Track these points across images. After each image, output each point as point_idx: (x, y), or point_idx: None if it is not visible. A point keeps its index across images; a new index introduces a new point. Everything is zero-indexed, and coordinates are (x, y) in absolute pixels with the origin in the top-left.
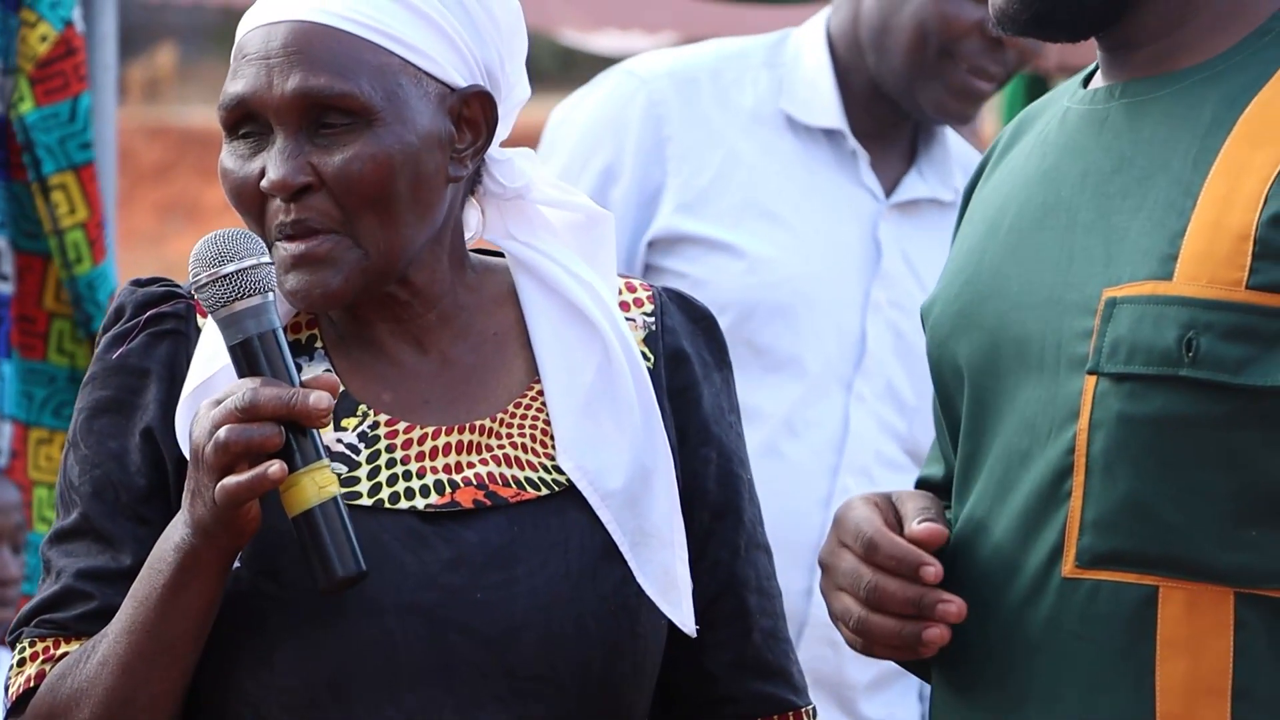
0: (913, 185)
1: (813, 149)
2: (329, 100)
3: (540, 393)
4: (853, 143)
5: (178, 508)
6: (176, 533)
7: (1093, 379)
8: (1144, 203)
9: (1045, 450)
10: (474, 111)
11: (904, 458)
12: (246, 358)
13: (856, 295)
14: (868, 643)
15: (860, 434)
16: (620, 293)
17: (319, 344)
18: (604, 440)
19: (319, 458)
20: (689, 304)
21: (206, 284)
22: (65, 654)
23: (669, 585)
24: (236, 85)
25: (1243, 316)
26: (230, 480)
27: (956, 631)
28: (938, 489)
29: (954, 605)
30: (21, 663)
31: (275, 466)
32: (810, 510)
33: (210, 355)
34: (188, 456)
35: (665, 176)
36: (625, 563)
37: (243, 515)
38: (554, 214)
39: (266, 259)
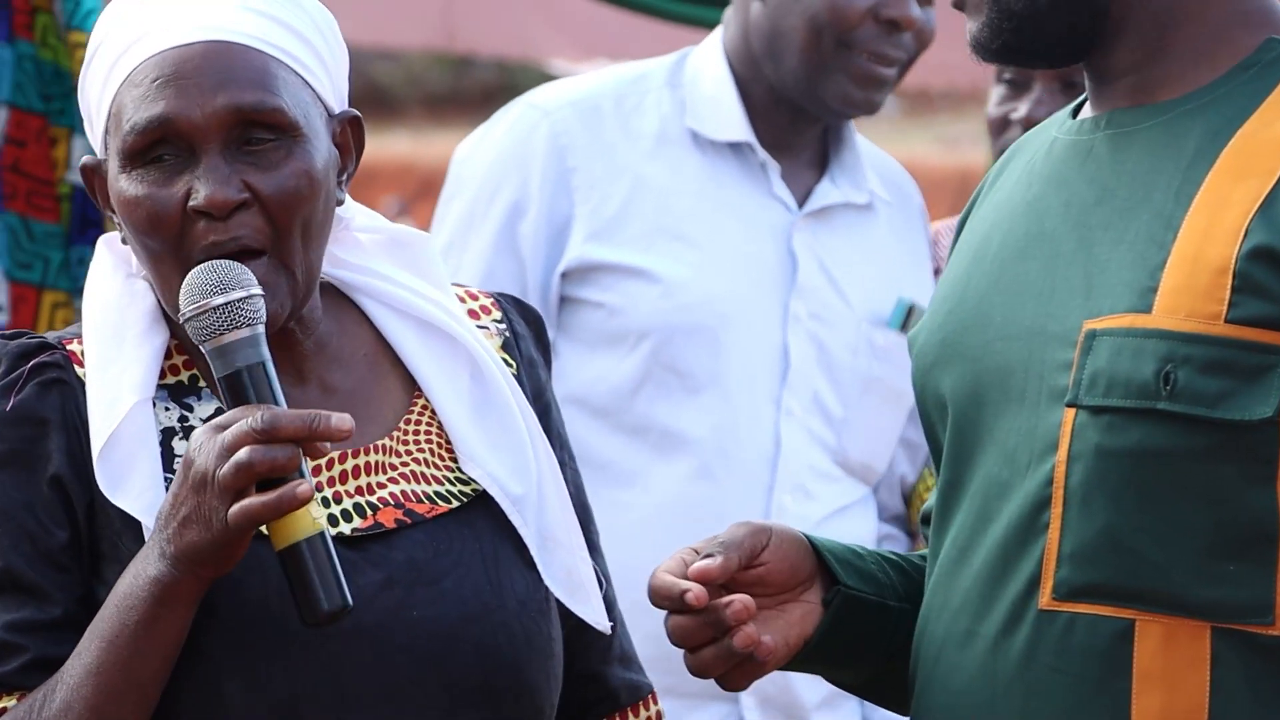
0: (825, 193)
1: (721, 165)
2: (260, 115)
3: (425, 408)
4: (762, 154)
5: (90, 555)
6: (149, 567)
7: (1072, 411)
8: (1125, 234)
9: (1024, 481)
10: (346, 136)
11: (837, 470)
12: (236, 389)
13: (775, 310)
14: (712, 678)
15: (792, 449)
16: (464, 301)
17: (201, 383)
18: (498, 446)
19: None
20: (523, 306)
21: (196, 315)
22: (3, 709)
23: (575, 586)
24: (155, 107)
25: (1221, 350)
26: (252, 502)
27: (935, 662)
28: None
29: (737, 603)
30: None
31: (305, 485)
32: None
33: (109, 401)
34: (121, 505)
35: (573, 207)
36: (533, 567)
37: (243, 541)
38: (368, 239)
39: (257, 290)
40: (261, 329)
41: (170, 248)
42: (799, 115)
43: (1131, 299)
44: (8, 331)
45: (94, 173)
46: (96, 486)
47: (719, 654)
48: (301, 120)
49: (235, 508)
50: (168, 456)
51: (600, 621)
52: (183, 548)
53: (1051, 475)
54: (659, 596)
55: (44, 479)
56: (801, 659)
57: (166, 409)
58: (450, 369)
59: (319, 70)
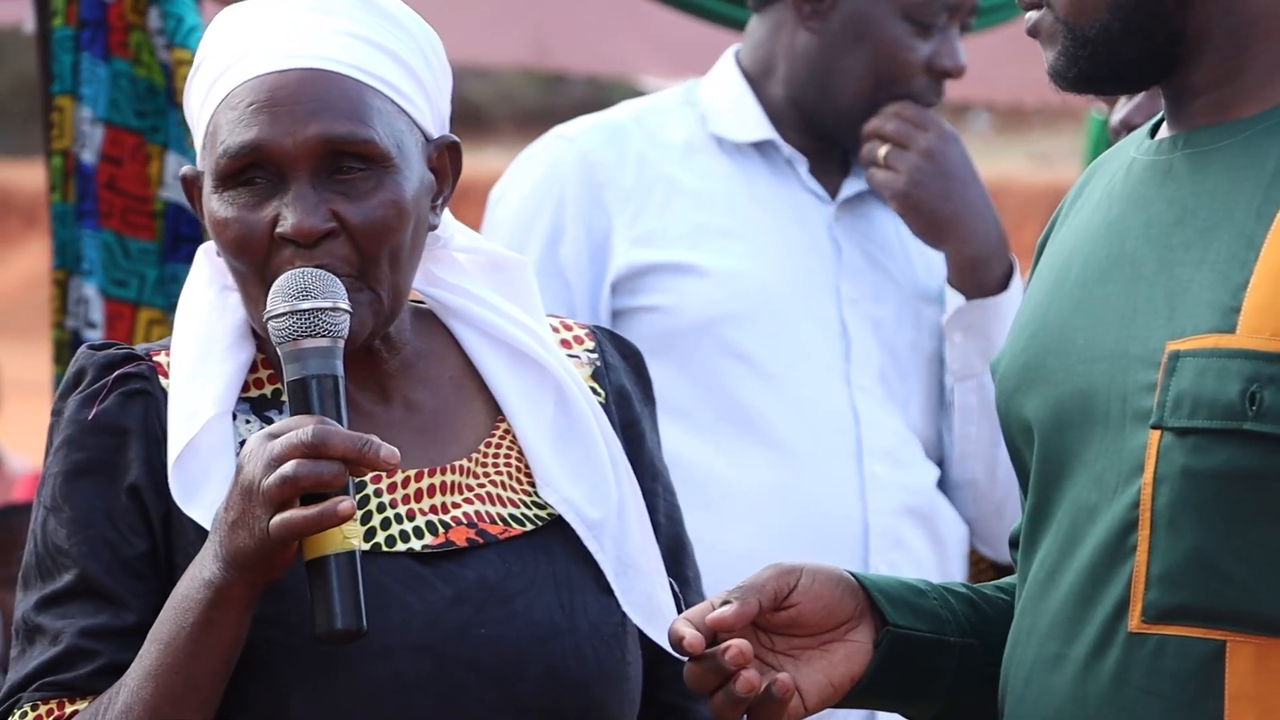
0: (854, 183)
1: (749, 165)
2: (350, 146)
3: (506, 431)
4: (787, 150)
5: (165, 565)
6: (205, 569)
7: (1156, 433)
8: (1207, 254)
9: (1111, 504)
10: (443, 161)
11: (915, 439)
12: (303, 395)
13: (828, 292)
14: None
15: (871, 420)
16: (557, 330)
17: (284, 398)
18: (578, 473)
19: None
20: (620, 341)
21: (281, 315)
22: (74, 712)
23: (654, 612)
24: (248, 133)
25: None
26: (294, 515)
27: (1024, 684)
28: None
29: (732, 649)
30: None
31: (347, 503)
32: (847, 501)
33: (190, 412)
34: (193, 516)
35: (610, 219)
36: (610, 592)
37: (286, 550)
38: (467, 260)
39: (345, 305)
40: (341, 344)
41: (255, 270)
42: (819, 131)
43: (1214, 319)
44: (97, 343)
45: (193, 183)
46: (173, 499)
47: (728, 699)
48: (393, 150)
49: (277, 519)
50: None
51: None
52: (231, 551)
53: (1138, 498)
54: (670, 643)
55: (123, 488)
56: (856, 697)
57: (247, 421)
58: (535, 395)
59: (418, 97)
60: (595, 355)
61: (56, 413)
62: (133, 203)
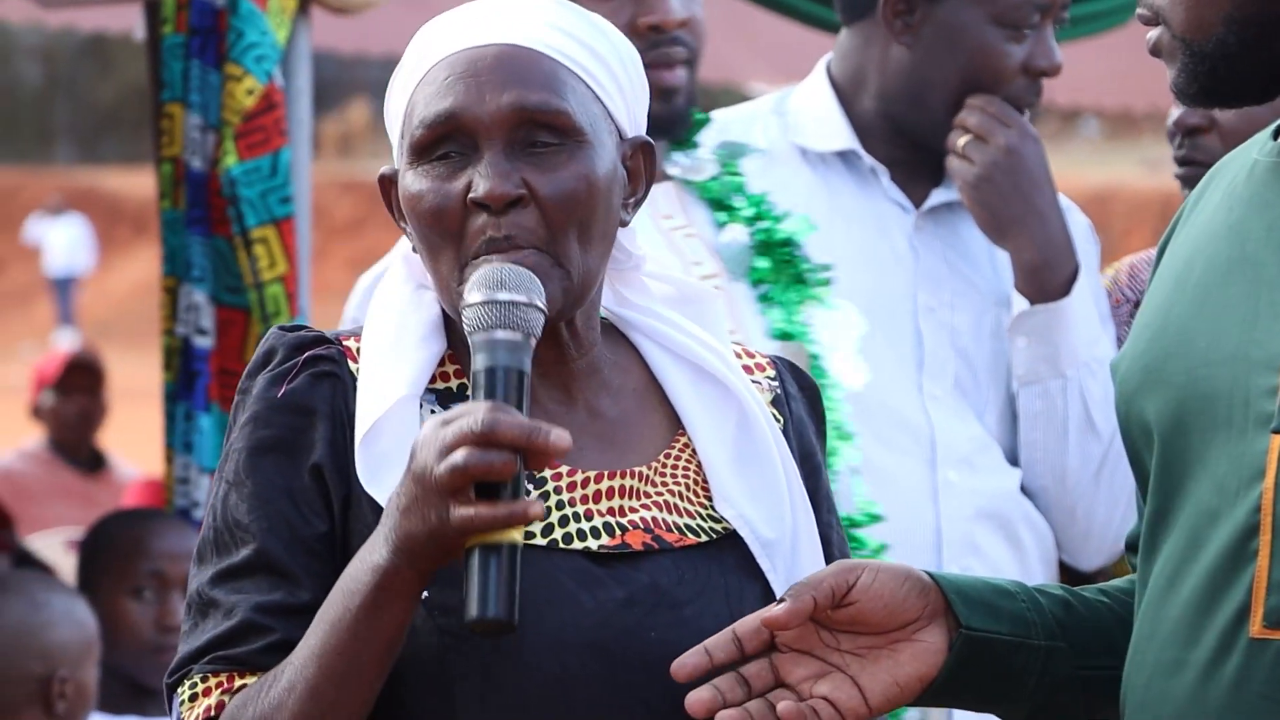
0: (941, 194)
1: (831, 175)
2: (544, 116)
3: (686, 445)
4: (869, 160)
5: (342, 547)
6: (374, 553)
7: (1278, 438)
8: None
9: (1233, 509)
10: (637, 162)
11: (994, 444)
12: (487, 384)
13: (904, 299)
14: None
15: (945, 426)
16: (739, 357)
17: (470, 393)
18: (755, 493)
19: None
20: (799, 372)
21: (476, 304)
22: (244, 686)
23: None
24: (444, 102)
25: None
26: (482, 512)
27: (1145, 689)
28: (1136, 540)
29: (704, 694)
30: (194, 697)
31: (537, 506)
32: (920, 507)
33: (379, 394)
34: (375, 496)
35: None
36: (774, 599)
37: (456, 541)
38: (657, 288)
39: (540, 303)
40: (532, 343)
41: (450, 240)
42: (908, 133)
43: None
44: (288, 324)
45: (390, 183)
46: (355, 481)
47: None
48: (586, 127)
49: (460, 513)
50: None
51: None
52: (402, 537)
53: (1259, 503)
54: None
55: (306, 467)
56: (931, 697)
57: (433, 411)
58: (717, 413)
59: (613, 90)
60: (776, 383)
61: (243, 390)
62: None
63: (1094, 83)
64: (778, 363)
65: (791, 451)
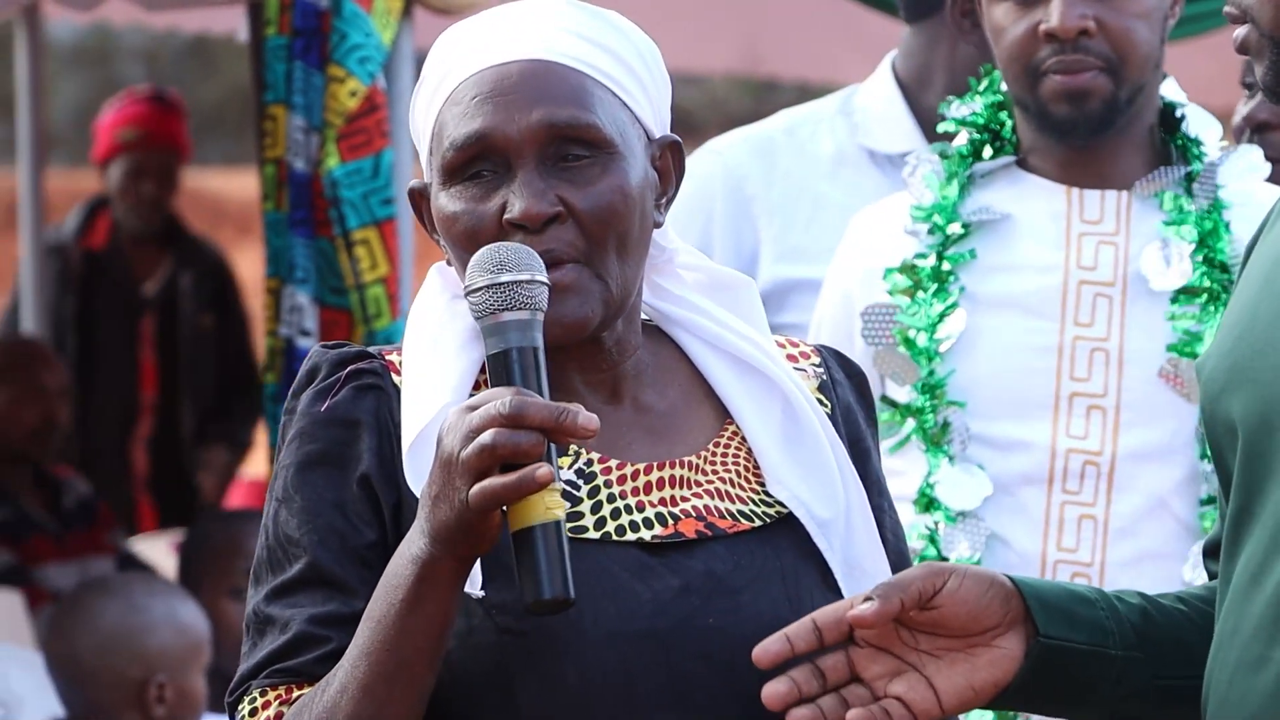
0: None
1: (898, 177)
2: (574, 131)
3: (735, 434)
4: None
5: (392, 555)
6: (413, 545)
7: None
8: None
9: None
10: (666, 162)
11: None
12: (504, 368)
13: None
14: None
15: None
16: (784, 347)
17: (487, 379)
18: (806, 474)
19: (554, 479)
20: (845, 360)
21: (480, 289)
22: (300, 696)
23: None
24: (473, 123)
25: None
26: (493, 482)
27: (1227, 686)
28: (1218, 545)
29: (780, 687)
30: (254, 712)
31: (544, 469)
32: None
33: (423, 402)
34: (419, 495)
35: (757, 233)
36: (835, 589)
37: (487, 521)
38: (692, 277)
39: (543, 277)
40: (540, 317)
41: None
42: None
43: None
44: (330, 342)
45: (421, 196)
46: (404, 488)
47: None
48: (617, 138)
49: (475, 487)
50: None
51: None
52: (435, 526)
53: None
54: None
55: (354, 478)
56: (1005, 702)
57: None
58: (763, 402)
59: (638, 93)
60: (821, 370)
61: (289, 410)
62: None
63: (1199, 83)
64: (823, 351)
65: (840, 437)
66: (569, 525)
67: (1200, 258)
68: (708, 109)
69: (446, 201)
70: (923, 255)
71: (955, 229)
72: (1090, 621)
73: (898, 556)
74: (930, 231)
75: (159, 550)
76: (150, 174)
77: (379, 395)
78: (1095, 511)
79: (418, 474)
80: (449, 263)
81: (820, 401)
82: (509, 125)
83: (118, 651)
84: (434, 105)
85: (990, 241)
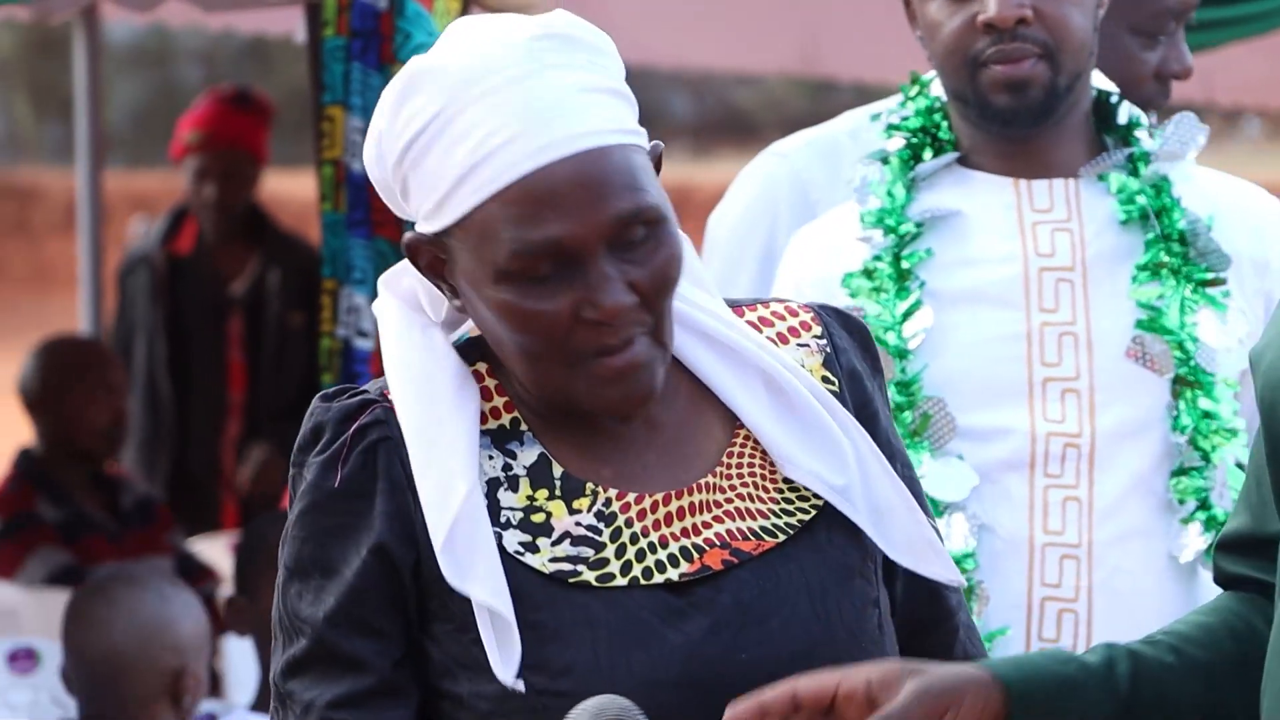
0: None
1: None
2: (636, 218)
3: (747, 438)
4: None
5: (417, 612)
6: None
7: None
8: None
9: None
10: (659, 165)
11: None
12: None
13: None
14: None
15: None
16: (783, 317)
17: (523, 427)
18: (810, 444)
19: None
20: (846, 318)
21: None
22: None
23: (919, 548)
24: (544, 230)
25: None
26: None
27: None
28: (1244, 542)
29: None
30: None
31: None
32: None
33: (441, 488)
34: (468, 594)
35: None
36: (863, 588)
37: None
38: None
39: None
40: None
41: (554, 349)
42: None
43: None
44: (329, 392)
45: (423, 249)
46: (421, 543)
47: None
48: (661, 203)
49: None
50: (494, 509)
51: (952, 577)
52: None
53: None
54: None
55: (367, 549)
56: None
57: (490, 457)
58: (746, 381)
59: (634, 117)
60: (824, 341)
61: (297, 466)
62: None
63: (1256, 83)
64: (822, 314)
65: (847, 408)
66: (595, 574)
67: (1155, 234)
68: (765, 109)
69: (510, 298)
70: (879, 258)
71: (908, 229)
72: (1087, 699)
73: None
74: (884, 235)
75: (217, 550)
76: (214, 175)
77: (388, 448)
78: (1079, 493)
79: (456, 570)
80: (458, 305)
81: (827, 379)
82: (578, 230)
83: (157, 641)
84: (469, 185)
85: (945, 239)
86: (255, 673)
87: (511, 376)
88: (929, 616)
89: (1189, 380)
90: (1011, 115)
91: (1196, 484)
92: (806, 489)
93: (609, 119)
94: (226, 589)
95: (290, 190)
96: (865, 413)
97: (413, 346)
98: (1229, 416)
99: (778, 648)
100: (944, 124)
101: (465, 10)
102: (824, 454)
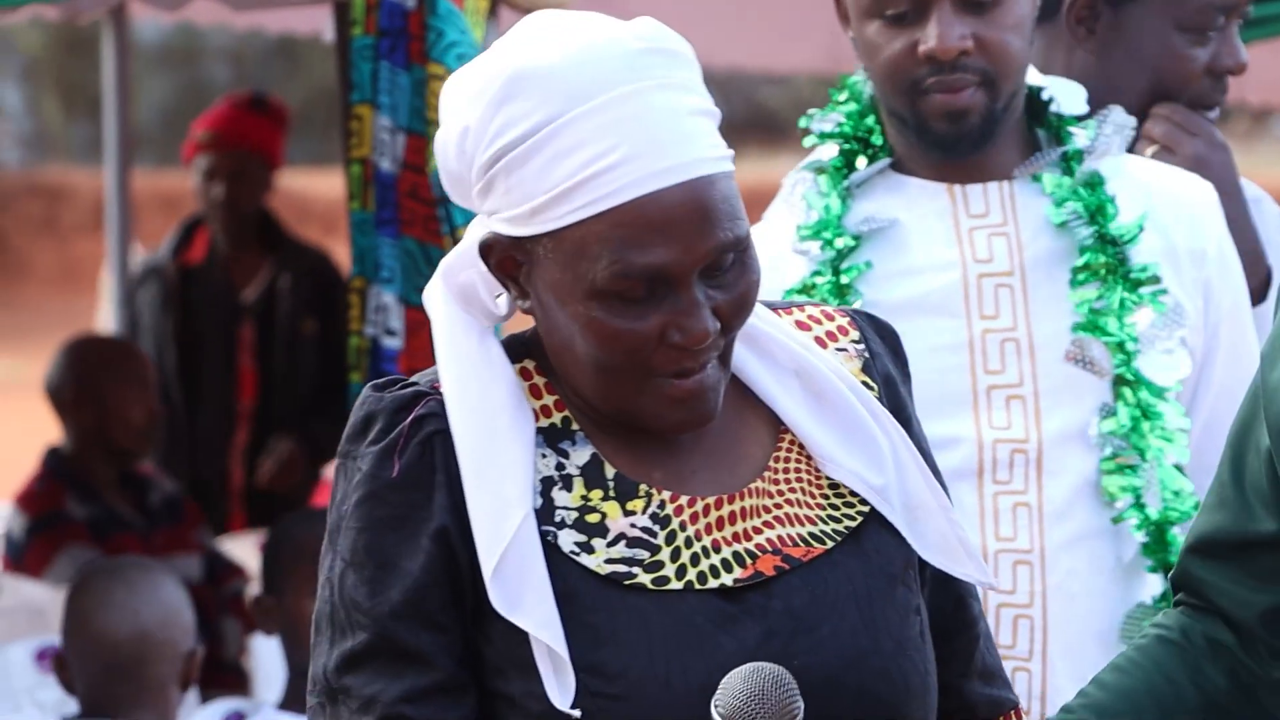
0: None
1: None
2: (732, 247)
3: (792, 442)
4: None
5: (473, 609)
6: None
7: None
8: None
9: None
10: None
11: None
12: None
13: None
14: None
15: None
16: (820, 321)
17: (575, 426)
18: (848, 441)
19: None
20: (878, 323)
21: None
22: None
23: (950, 547)
24: (649, 256)
25: None
26: None
27: None
28: (1221, 543)
29: None
30: None
31: None
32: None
33: (494, 514)
34: (518, 623)
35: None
36: (906, 596)
37: None
38: None
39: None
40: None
41: (631, 367)
42: None
43: None
44: (380, 382)
45: (499, 247)
46: None
47: None
48: (748, 228)
49: None
50: (549, 508)
51: (983, 578)
52: None
53: None
54: None
55: (427, 539)
56: None
57: (543, 455)
58: (782, 380)
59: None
60: (861, 346)
61: (347, 456)
62: (434, 211)
63: (1277, 84)
64: (858, 319)
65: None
66: (650, 577)
67: (1091, 234)
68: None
69: (602, 315)
70: (819, 273)
71: (844, 242)
72: None
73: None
74: (821, 248)
75: (246, 549)
76: (222, 175)
77: (444, 440)
78: (1028, 498)
79: (506, 598)
80: (527, 308)
81: (867, 384)
82: (684, 256)
83: (177, 625)
84: (574, 199)
85: (882, 249)
86: (283, 671)
87: (563, 379)
88: (953, 625)
89: (1129, 380)
90: (952, 142)
91: (1131, 481)
92: (851, 494)
93: (714, 145)
94: (254, 588)
95: (319, 189)
96: (900, 418)
97: (469, 358)
98: (1171, 417)
99: (827, 656)
100: (876, 128)
101: (493, 10)
102: (864, 453)
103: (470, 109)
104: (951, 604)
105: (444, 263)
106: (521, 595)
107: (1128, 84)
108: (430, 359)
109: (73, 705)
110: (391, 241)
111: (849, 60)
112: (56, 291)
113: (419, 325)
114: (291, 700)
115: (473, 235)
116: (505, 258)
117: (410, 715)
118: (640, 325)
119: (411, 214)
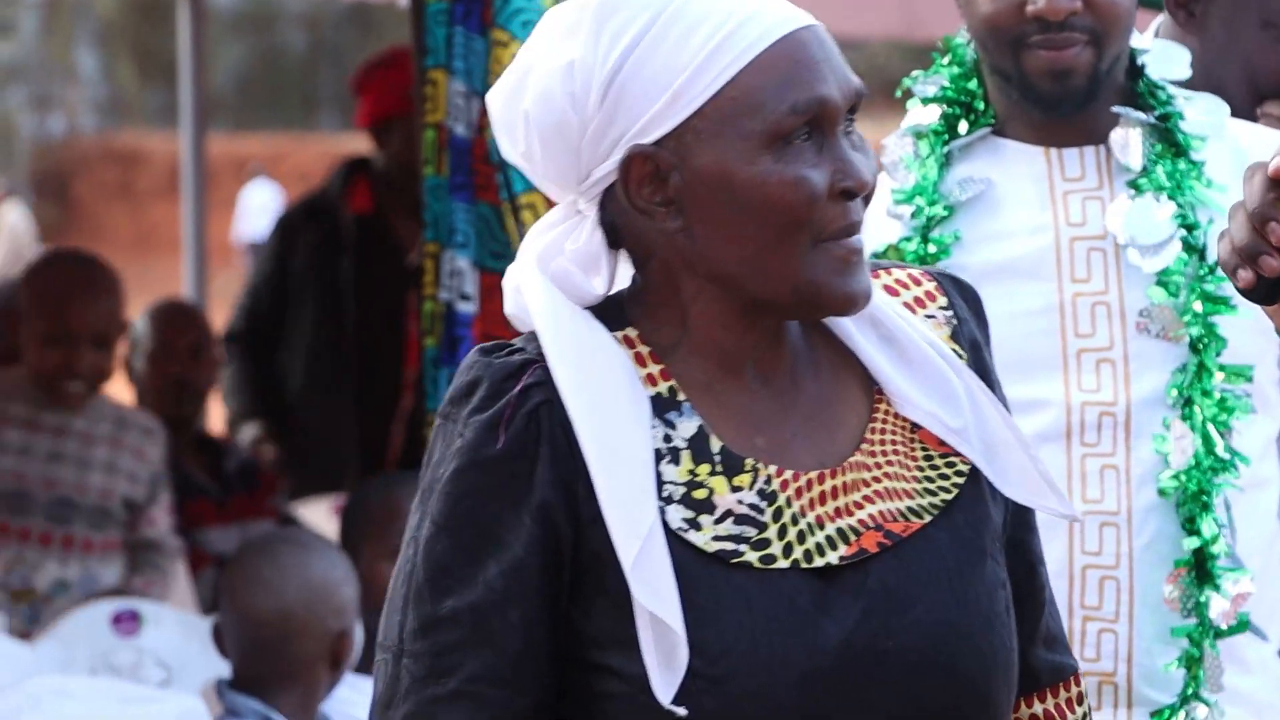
0: None
1: None
2: (861, 98)
3: (887, 411)
4: None
5: (571, 583)
6: None
7: None
8: None
9: None
10: None
11: None
12: None
13: None
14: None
15: None
16: (907, 286)
17: (680, 396)
18: (926, 387)
19: None
20: (962, 286)
21: None
22: None
23: (1032, 483)
24: (810, 91)
25: None
26: None
27: None
28: None
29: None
30: None
31: None
32: None
33: (627, 508)
34: (663, 616)
35: None
36: (994, 570)
37: None
38: None
39: None
40: None
41: (804, 225)
42: None
43: None
44: (488, 345)
45: (641, 163)
46: (584, 516)
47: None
48: None
49: None
50: (657, 482)
51: (1065, 510)
52: None
53: None
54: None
55: (529, 510)
56: None
57: (651, 427)
58: (860, 327)
59: None
60: (950, 312)
61: (448, 419)
62: (495, 176)
63: None
64: (944, 283)
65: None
66: (757, 555)
67: (1172, 207)
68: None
69: (774, 165)
70: (907, 239)
71: (938, 210)
72: None
73: None
74: (913, 215)
75: (319, 514)
76: (402, 134)
77: (550, 411)
78: (1116, 461)
79: (650, 592)
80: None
81: (956, 352)
82: (837, 91)
83: (324, 604)
84: (714, 64)
85: (974, 213)
86: (359, 635)
87: (714, 278)
88: (1023, 591)
89: (1203, 343)
90: (1055, 101)
91: (1160, 447)
92: (946, 465)
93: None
94: None
95: None
96: (986, 382)
97: (574, 334)
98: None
99: (921, 634)
100: (979, 92)
101: None
102: (940, 396)
103: (568, 43)
104: (1024, 570)
105: (533, 251)
106: (659, 585)
107: (1231, 76)
108: (502, 323)
109: (150, 668)
110: (466, 206)
111: (923, 24)
112: (133, 256)
113: (493, 290)
114: (367, 663)
115: (555, 223)
116: (649, 174)
117: (487, 695)
118: (815, 171)
119: (486, 179)
